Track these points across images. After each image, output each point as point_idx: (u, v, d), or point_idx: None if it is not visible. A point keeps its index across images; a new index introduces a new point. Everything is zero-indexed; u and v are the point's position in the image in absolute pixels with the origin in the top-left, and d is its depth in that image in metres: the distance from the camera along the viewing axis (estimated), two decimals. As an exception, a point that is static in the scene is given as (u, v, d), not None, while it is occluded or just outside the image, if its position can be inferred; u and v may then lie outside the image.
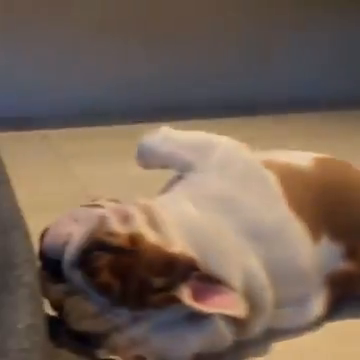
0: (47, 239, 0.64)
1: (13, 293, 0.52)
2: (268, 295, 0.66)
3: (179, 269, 0.60)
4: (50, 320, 0.59)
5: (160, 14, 2.33)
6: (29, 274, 0.55)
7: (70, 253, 0.62)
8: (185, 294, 0.59)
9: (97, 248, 0.61)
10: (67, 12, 2.18)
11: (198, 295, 0.59)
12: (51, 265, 0.63)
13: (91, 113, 2.03)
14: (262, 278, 0.66)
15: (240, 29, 2.50)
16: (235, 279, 0.63)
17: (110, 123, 1.96)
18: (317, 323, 0.73)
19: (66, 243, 0.63)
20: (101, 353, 0.60)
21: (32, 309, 0.48)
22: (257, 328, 0.66)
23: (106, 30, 2.22)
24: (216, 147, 0.75)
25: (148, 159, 0.79)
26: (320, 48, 2.65)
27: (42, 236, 0.66)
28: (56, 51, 2.15)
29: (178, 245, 0.62)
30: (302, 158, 0.81)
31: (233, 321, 0.62)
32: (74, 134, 1.84)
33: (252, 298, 0.64)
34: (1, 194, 0.76)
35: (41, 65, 2.12)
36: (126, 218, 0.64)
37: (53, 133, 1.84)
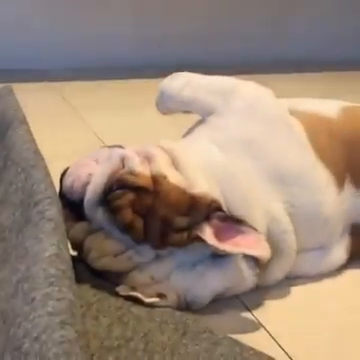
0: (67, 179, 0.64)
1: (37, 226, 0.52)
2: (290, 239, 0.65)
3: (201, 209, 0.60)
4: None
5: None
6: (52, 210, 0.55)
7: (92, 192, 0.61)
8: (207, 233, 0.59)
9: (119, 187, 0.60)
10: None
11: (220, 235, 0.59)
12: (71, 205, 0.63)
13: (103, 67, 2.01)
14: (285, 222, 0.65)
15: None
16: (258, 222, 0.62)
17: (121, 77, 1.95)
18: (338, 271, 0.73)
19: (87, 183, 0.62)
20: (121, 289, 0.60)
21: (57, 240, 0.48)
22: (279, 272, 0.66)
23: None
24: (240, 91, 0.73)
25: (169, 104, 0.77)
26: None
27: (62, 176, 0.65)
28: (72, 4, 2.11)
29: (201, 186, 0.61)
30: (329, 106, 0.79)
31: (255, 263, 0.62)
32: (86, 87, 1.83)
33: (274, 242, 0.63)
34: (20, 135, 0.75)
35: (57, 18, 2.08)
36: (148, 159, 0.63)
37: (66, 85, 1.83)
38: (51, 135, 1.29)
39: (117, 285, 0.61)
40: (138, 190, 0.60)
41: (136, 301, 0.59)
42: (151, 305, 0.59)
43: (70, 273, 0.47)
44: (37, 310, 0.39)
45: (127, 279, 0.61)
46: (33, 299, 0.41)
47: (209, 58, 2.31)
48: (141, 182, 0.60)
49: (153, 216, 0.59)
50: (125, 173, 0.61)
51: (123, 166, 0.62)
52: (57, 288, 0.42)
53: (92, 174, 0.63)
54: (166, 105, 0.78)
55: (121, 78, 1.94)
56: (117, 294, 0.60)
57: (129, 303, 0.59)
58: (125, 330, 0.54)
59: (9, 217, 0.61)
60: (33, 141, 0.73)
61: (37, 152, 0.70)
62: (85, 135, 1.33)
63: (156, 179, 0.61)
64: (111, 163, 0.62)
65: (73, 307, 0.41)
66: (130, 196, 0.59)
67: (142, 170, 0.61)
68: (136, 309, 0.59)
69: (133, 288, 0.61)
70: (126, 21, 2.22)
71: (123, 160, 0.63)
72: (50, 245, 0.47)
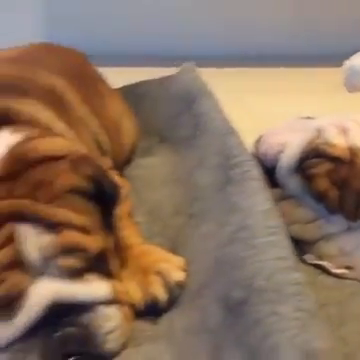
0: (263, 146, 0.66)
1: (242, 184, 0.55)
2: None
3: None
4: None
5: None
6: (253, 171, 0.57)
7: (288, 159, 0.62)
8: None
9: (315, 156, 0.61)
10: None
11: None
12: (263, 172, 0.65)
13: (260, 54, 2.01)
14: None
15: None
16: None
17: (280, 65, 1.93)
18: None
19: (279, 151, 0.64)
20: (308, 258, 0.61)
21: (267, 197, 0.50)
22: None
23: None
24: None
25: (356, 82, 0.76)
26: None
27: (255, 145, 0.68)
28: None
29: None
30: None
31: None
32: (248, 73, 1.84)
33: None
34: (208, 106, 0.79)
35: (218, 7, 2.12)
36: (343, 131, 0.63)
37: (229, 71, 1.87)
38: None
39: (303, 253, 0.62)
40: (334, 160, 0.60)
41: (323, 270, 0.60)
42: (338, 276, 0.60)
43: (284, 228, 0.48)
44: (262, 255, 0.42)
45: (314, 248, 0.62)
46: (254, 246, 0.44)
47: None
48: (338, 153, 0.60)
49: (348, 187, 0.59)
50: (321, 143, 0.62)
51: (319, 136, 0.63)
52: (278, 237, 0.44)
53: (283, 143, 0.64)
54: (353, 83, 0.77)
55: (279, 65, 1.94)
56: (304, 261, 0.61)
57: (317, 271, 0.60)
58: (318, 296, 0.55)
59: (206, 178, 0.65)
60: (221, 111, 0.77)
61: (227, 120, 0.73)
62: (246, 118, 1.34)
63: (353, 151, 0.60)
64: (307, 133, 0.63)
65: (294, 257, 0.43)
66: (326, 165, 0.60)
67: (339, 142, 0.61)
68: (324, 278, 0.59)
69: (320, 258, 0.61)
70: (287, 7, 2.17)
71: (319, 131, 0.63)
72: (264, 200, 0.49)
